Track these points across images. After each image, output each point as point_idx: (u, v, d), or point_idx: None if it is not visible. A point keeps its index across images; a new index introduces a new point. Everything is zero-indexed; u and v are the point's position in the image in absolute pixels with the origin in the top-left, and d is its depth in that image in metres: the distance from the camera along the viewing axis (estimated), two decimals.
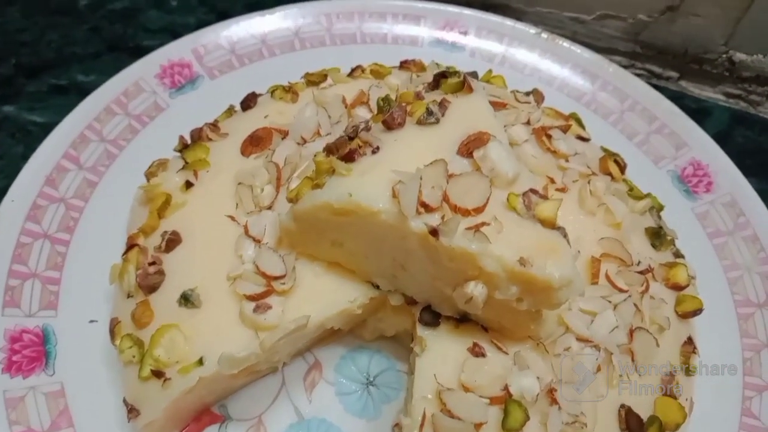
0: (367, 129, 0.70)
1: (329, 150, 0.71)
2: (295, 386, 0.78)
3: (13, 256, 0.79)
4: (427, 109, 0.69)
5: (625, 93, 1.07)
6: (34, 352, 0.74)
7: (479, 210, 0.62)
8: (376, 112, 0.77)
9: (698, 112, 1.15)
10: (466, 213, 0.62)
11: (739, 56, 1.12)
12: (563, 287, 0.60)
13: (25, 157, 0.89)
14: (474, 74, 0.98)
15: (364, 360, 0.81)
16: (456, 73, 0.74)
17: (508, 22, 1.12)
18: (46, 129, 0.91)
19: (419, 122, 0.69)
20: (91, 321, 0.79)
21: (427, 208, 0.61)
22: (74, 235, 0.84)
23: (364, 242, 0.68)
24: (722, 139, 1.06)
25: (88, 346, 0.76)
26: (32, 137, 1.00)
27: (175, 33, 1.14)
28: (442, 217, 0.61)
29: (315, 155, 0.73)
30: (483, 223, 0.61)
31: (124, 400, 0.68)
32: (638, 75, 1.19)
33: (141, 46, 1.14)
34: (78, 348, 0.76)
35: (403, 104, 0.71)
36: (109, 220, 0.85)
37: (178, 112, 0.98)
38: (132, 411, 0.67)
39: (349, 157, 0.66)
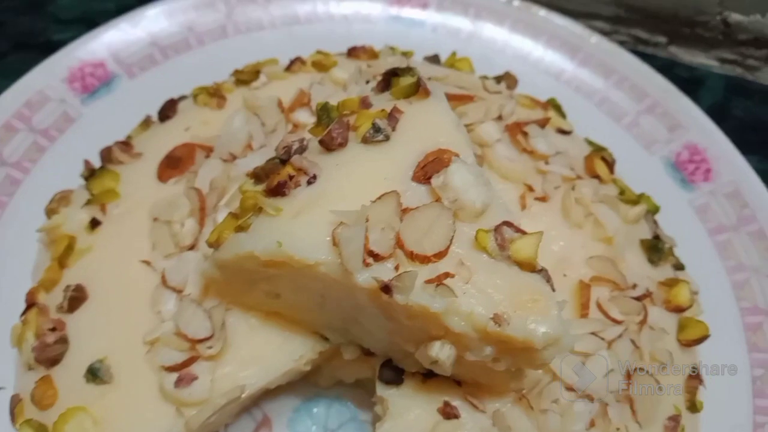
0: (302, 150, 0.57)
1: (257, 176, 0.58)
2: None
3: None
4: (374, 124, 0.55)
5: (610, 67, 0.93)
6: None
7: (441, 255, 0.50)
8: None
9: (691, 81, 1.03)
10: (425, 260, 0.49)
11: (735, 17, 0.99)
12: (549, 347, 0.49)
13: None
14: (435, 58, 0.85)
15: (321, 411, 0.70)
16: (410, 70, 0.61)
17: None
18: None
19: (365, 140, 0.55)
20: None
21: (376, 257, 0.49)
22: None
23: (305, 296, 0.55)
24: (719, 112, 0.95)
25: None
26: None
27: (91, 23, 0.98)
28: (396, 267, 0.49)
29: (242, 184, 0.60)
30: (446, 274, 0.49)
31: None
32: (623, 42, 1.06)
33: (52, 41, 0.99)
34: None
35: (346, 117, 0.58)
36: (15, 263, 0.71)
37: (93, 122, 0.83)
38: None
39: (278, 191, 0.53)
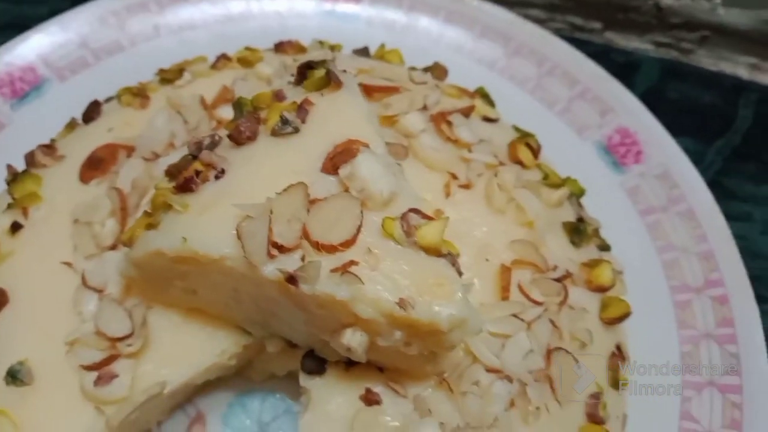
0: (214, 145, 0.57)
1: (170, 174, 0.58)
2: None
3: None
4: (282, 117, 0.56)
5: (542, 55, 0.95)
6: None
7: (348, 243, 0.50)
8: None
9: (627, 66, 1.05)
10: (331, 249, 0.50)
11: (666, 1, 1.01)
12: (455, 329, 0.50)
13: None
14: (365, 51, 0.85)
15: (255, 405, 0.70)
16: (322, 63, 0.61)
17: None
18: None
19: (274, 133, 0.56)
20: None
21: (281, 249, 0.49)
22: None
23: (220, 292, 0.56)
24: (654, 96, 0.97)
25: None
26: None
27: (24, 28, 0.96)
28: (302, 258, 0.49)
29: (158, 182, 0.60)
30: (352, 262, 0.49)
31: None
32: (559, 29, 1.07)
33: None
34: None
35: (258, 111, 0.58)
36: None
37: (23, 127, 0.83)
38: None
39: (186, 188, 0.54)
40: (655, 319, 0.75)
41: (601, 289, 0.67)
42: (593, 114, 0.90)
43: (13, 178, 0.68)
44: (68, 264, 0.62)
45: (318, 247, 0.50)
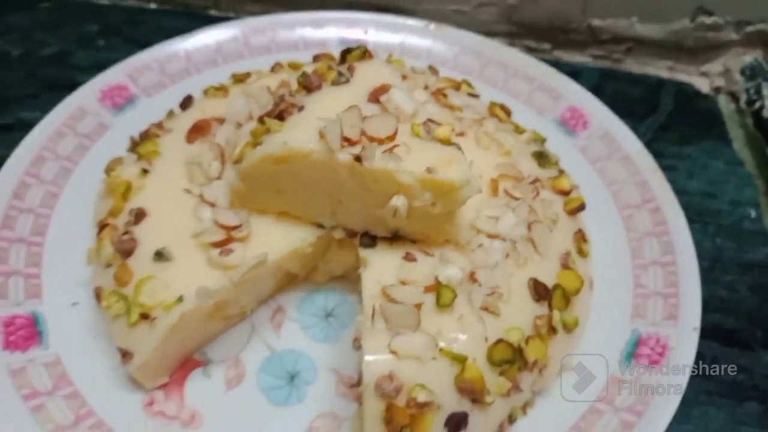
0: (291, 95, 0.85)
1: (261, 120, 0.85)
2: (264, 328, 0.90)
3: None
4: (338, 72, 0.84)
5: (506, 63, 1.25)
6: (28, 332, 0.83)
7: (391, 138, 0.77)
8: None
9: (572, 74, 1.34)
10: (380, 141, 0.77)
11: (596, 22, 1.34)
12: (463, 186, 0.76)
13: None
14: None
15: (320, 298, 0.94)
16: (358, 47, 0.91)
17: (400, 20, 1.31)
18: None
19: (333, 83, 0.84)
20: (74, 303, 0.88)
21: (349, 141, 0.76)
22: (46, 237, 0.94)
23: (303, 186, 0.81)
24: (594, 92, 1.27)
25: (75, 322, 0.86)
26: None
27: (105, 68, 1.25)
28: (363, 148, 0.76)
29: (251, 131, 0.87)
30: (395, 146, 0.76)
31: (118, 347, 0.78)
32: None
33: (76, 82, 1.23)
34: (67, 326, 0.86)
35: (318, 73, 0.87)
36: (75, 220, 0.95)
37: (122, 129, 1.09)
38: (126, 355, 0.78)
39: (279, 117, 0.81)
40: (607, 228, 1.01)
41: (563, 193, 0.94)
42: (549, 100, 1.20)
43: (136, 143, 0.95)
44: (187, 190, 0.88)
45: (372, 140, 0.77)
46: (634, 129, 1.23)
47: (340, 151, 0.76)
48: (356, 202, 0.81)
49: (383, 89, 0.82)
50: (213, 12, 1.45)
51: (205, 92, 1.03)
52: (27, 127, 1.07)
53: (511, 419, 0.81)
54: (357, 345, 0.88)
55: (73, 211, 0.97)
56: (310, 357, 0.88)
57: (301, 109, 0.82)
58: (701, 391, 0.91)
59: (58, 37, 1.36)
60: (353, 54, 0.89)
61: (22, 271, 0.89)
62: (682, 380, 0.82)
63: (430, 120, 0.80)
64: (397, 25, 1.30)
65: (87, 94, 1.11)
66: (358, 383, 0.84)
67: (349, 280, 0.95)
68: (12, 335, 0.82)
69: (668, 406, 0.80)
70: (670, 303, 0.91)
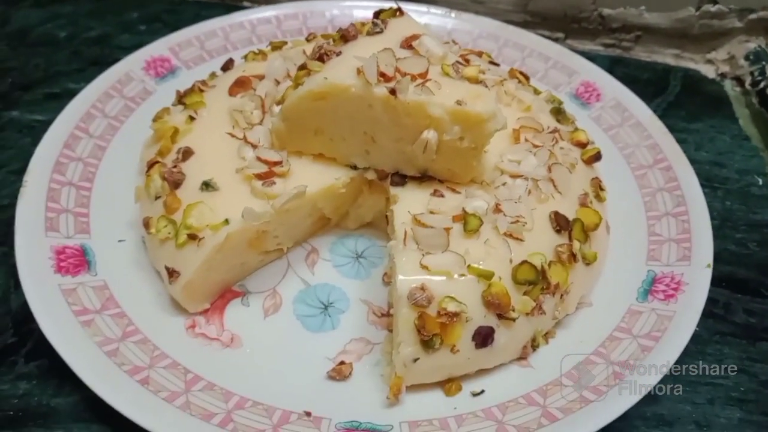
0: (329, 45, 0.92)
1: (301, 68, 0.93)
2: (299, 266, 0.96)
3: (47, 197, 0.95)
4: (373, 22, 0.92)
5: (522, 45, 1.33)
6: (77, 260, 0.89)
7: (423, 75, 0.84)
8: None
9: None
10: (414, 78, 0.83)
11: (607, 11, 1.42)
12: (491, 119, 0.82)
13: (33, 146, 1.05)
14: None
15: (351, 242, 1.00)
16: (390, 8, 0.98)
17: (424, 7, 1.39)
18: (49, 125, 1.08)
19: (368, 33, 0.92)
20: (120, 240, 0.94)
21: (384, 77, 0.82)
22: (94, 183, 1.00)
23: (340, 124, 0.88)
24: None
25: (121, 256, 0.92)
26: (37, 131, 1.15)
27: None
28: (397, 82, 0.83)
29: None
30: (427, 80, 0.83)
31: (166, 267, 0.84)
32: None
33: (119, 59, 1.32)
34: (113, 258, 0.91)
35: (355, 25, 0.94)
36: (122, 169, 1.02)
37: (165, 95, 1.17)
38: (173, 274, 0.83)
39: (320, 58, 0.88)
40: (621, 186, 1.07)
41: (581, 145, 1.00)
42: (563, 76, 1.27)
43: (182, 95, 1.02)
44: (231, 134, 0.94)
45: (404, 75, 0.83)
46: None
47: (377, 85, 0.82)
48: (389, 139, 0.87)
49: (414, 37, 0.89)
50: (246, 3, 1.54)
51: (245, 57, 1.11)
52: (73, 95, 1.15)
53: (534, 345, 0.85)
54: (386, 280, 0.94)
55: (120, 161, 1.04)
56: (342, 290, 0.93)
57: (339, 53, 0.89)
58: (714, 331, 0.95)
59: (101, 22, 1.45)
60: (386, 12, 0.97)
61: (72, 210, 0.95)
62: (698, 307, 0.86)
63: (458, 62, 0.87)
64: (420, 11, 1.38)
65: (132, 63, 1.19)
66: (388, 312, 0.90)
67: (378, 227, 1.01)
68: (63, 261, 0.88)
69: (685, 329, 0.84)
70: (683, 247, 0.96)
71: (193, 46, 1.26)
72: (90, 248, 0.91)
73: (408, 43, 0.89)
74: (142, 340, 0.83)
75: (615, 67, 1.43)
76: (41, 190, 0.95)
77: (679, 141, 1.18)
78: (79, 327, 0.81)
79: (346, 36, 0.92)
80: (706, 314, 0.94)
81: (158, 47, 1.24)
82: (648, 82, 1.40)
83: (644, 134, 1.14)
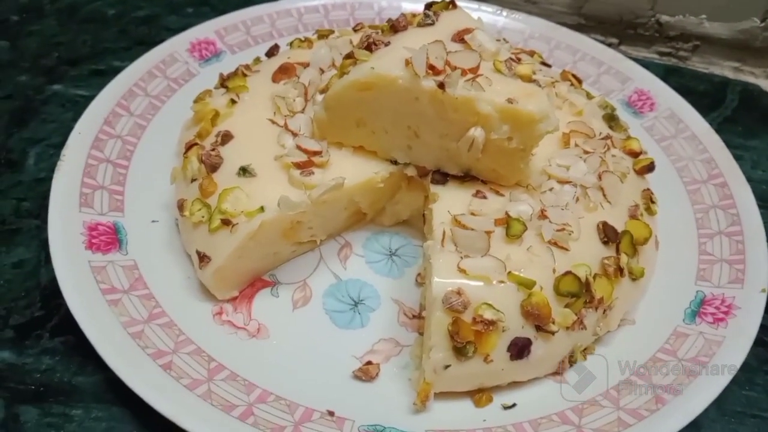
0: (378, 34, 0.89)
1: (347, 56, 0.90)
2: (331, 259, 0.93)
3: (84, 173, 0.94)
4: (424, 13, 0.89)
5: (575, 48, 1.28)
6: (109, 238, 0.88)
7: (473, 70, 0.80)
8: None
9: None
10: (464, 72, 0.80)
11: (664, 18, 1.36)
12: (543, 119, 0.78)
13: (75, 120, 1.05)
14: None
15: (385, 239, 0.97)
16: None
17: (475, 4, 1.35)
18: (91, 100, 1.08)
19: (419, 25, 0.89)
20: (153, 221, 0.93)
21: (434, 70, 0.79)
22: (131, 161, 0.99)
23: (384, 116, 0.85)
24: None
25: (153, 237, 0.91)
26: (80, 106, 1.14)
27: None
28: (446, 75, 0.79)
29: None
30: (477, 76, 0.79)
31: (197, 251, 0.82)
32: None
33: (165, 40, 1.32)
34: (144, 238, 0.90)
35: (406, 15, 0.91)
36: (160, 149, 1.01)
37: (207, 77, 1.16)
38: (203, 259, 0.81)
39: (368, 47, 0.85)
40: (673, 200, 1.02)
41: (633, 154, 0.95)
42: (616, 82, 1.22)
43: (225, 78, 1.00)
44: (272, 120, 0.92)
45: (455, 69, 0.80)
46: None
47: (425, 78, 0.79)
48: (433, 134, 0.84)
49: (467, 30, 0.86)
50: None
51: (290, 44, 1.09)
52: (118, 72, 1.14)
53: (572, 360, 0.81)
54: (420, 281, 0.90)
55: (159, 141, 1.02)
56: (374, 287, 0.90)
57: (387, 44, 0.86)
58: (765, 360, 0.90)
59: (150, 3, 1.45)
60: (438, 4, 0.93)
61: (108, 187, 0.94)
62: (750, 334, 0.81)
63: (512, 59, 0.83)
64: (471, 8, 1.34)
65: (177, 44, 1.18)
66: (420, 315, 0.86)
67: (414, 226, 0.98)
68: (95, 238, 0.87)
69: (735, 356, 0.79)
70: (735, 268, 0.90)
71: (239, 31, 1.25)
72: (122, 227, 0.90)
73: (460, 37, 0.85)
74: (168, 323, 0.81)
75: (670, 76, 1.37)
76: (78, 166, 0.94)
77: (735, 158, 1.13)
78: (106, 306, 0.79)
79: (395, 26, 0.89)
80: (757, 342, 0.89)
81: (204, 30, 1.23)
82: (704, 95, 1.34)
83: (699, 147, 1.09)
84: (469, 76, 0.80)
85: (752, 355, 0.87)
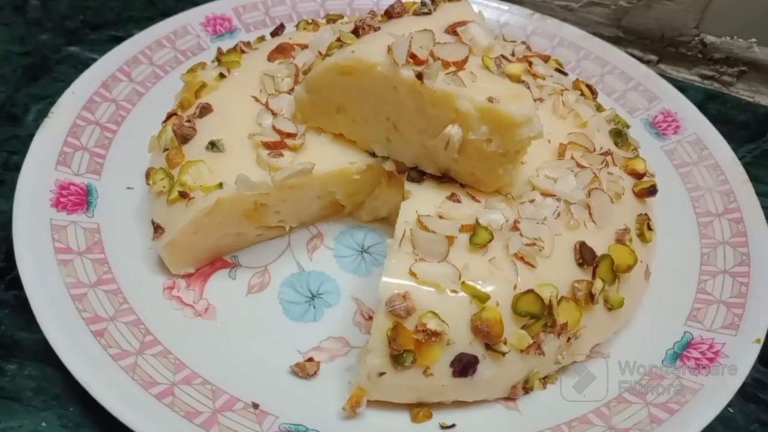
0: (372, 18, 0.85)
1: (338, 39, 0.86)
2: (299, 248, 0.90)
3: (68, 133, 0.94)
4: (422, 2, 0.84)
5: (605, 60, 1.20)
6: (78, 199, 0.87)
7: (458, 65, 0.75)
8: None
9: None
10: (447, 65, 0.75)
11: (710, 38, 1.27)
12: (524, 124, 0.72)
13: None
14: None
15: (360, 235, 0.93)
16: None
17: (505, 5, 1.29)
18: None
19: (415, 13, 0.84)
20: (128, 188, 0.92)
21: (415, 59, 0.74)
22: (121, 127, 0.99)
23: (364, 104, 0.80)
24: None
25: (124, 204, 0.89)
26: None
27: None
28: (426, 67, 0.74)
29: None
30: (462, 69, 0.74)
31: (152, 222, 0.80)
32: None
33: None
34: (115, 204, 0.89)
35: (403, 3, 0.87)
36: (153, 119, 0.99)
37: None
38: (158, 229, 0.79)
39: (356, 32, 0.81)
40: (681, 231, 0.93)
41: (635, 175, 0.87)
42: (642, 100, 1.14)
43: (222, 53, 0.98)
44: (255, 98, 0.89)
45: (438, 60, 0.75)
46: (734, 151, 1.14)
47: (404, 66, 0.74)
48: (412, 129, 0.79)
49: (463, 23, 0.81)
50: None
51: (297, 25, 1.06)
52: None
53: (526, 386, 0.74)
54: None
55: (153, 111, 1.00)
56: (336, 282, 0.86)
57: (377, 29, 0.82)
58: (755, 419, 0.81)
59: None
60: None
61: (90, 149, 0.94)
62: (732, 387, 0.72)
63: (504, 57, 0.78)
64: (502, 9, 1.28)
65: (192, 17, 1.17)
66: None
67: (392, 224, 0.92)
68: (63, 197, 0.86)
69: (708, 409, 0.70)
70: (732, 312, 0.82)
71: (257, 11, 1.23)
72: (95, 189, 0.89)
73: (453, 29, 0.80)
74: (114, 290, 0.79)
75: (709, 102, 1.27)
76: (65, 124, 0.94)
77: (764, 195, 1.03)
78: (55, 264, 0.78)
79: (390, 13, 0.84)
80: (749, 397, 0.81)
81: (222, 5, 1.21)
82: (744, 125, 1.23)
83: (720, 178, 0.99)
84: (451, 69, 0.75)
85: (740, 411, 0.80)
